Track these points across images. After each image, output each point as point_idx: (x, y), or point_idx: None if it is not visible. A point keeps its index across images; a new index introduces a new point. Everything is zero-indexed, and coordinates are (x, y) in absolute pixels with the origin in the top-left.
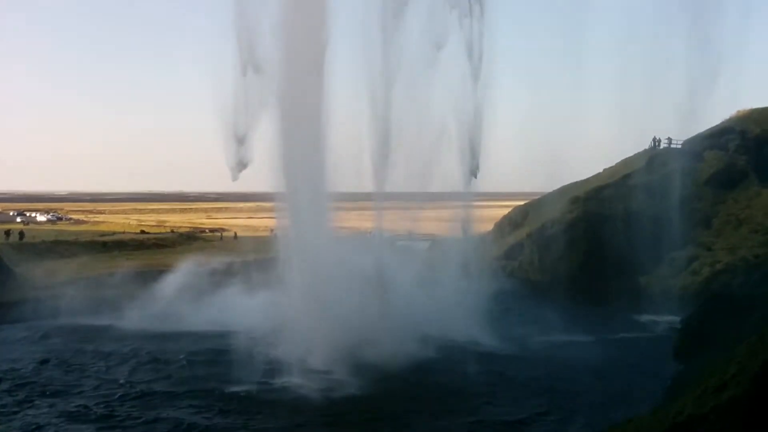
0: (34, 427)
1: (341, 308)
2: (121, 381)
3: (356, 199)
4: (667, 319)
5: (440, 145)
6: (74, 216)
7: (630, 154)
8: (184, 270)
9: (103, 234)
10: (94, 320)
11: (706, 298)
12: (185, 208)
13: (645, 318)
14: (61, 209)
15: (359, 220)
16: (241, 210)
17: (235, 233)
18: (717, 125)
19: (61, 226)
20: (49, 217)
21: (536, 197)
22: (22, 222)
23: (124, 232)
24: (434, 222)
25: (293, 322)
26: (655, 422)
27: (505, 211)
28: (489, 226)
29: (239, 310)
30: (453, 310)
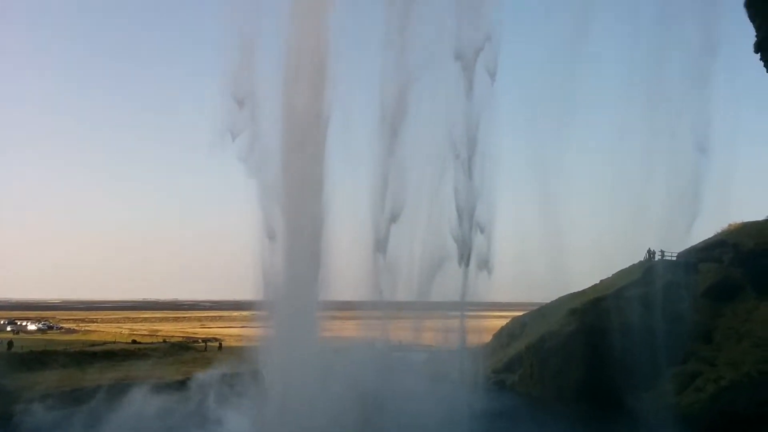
0: None
1: None
2: None
3: (354, 308)
4: None
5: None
6: (66, 325)
7: (625, 265)
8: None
9: (93, 344)
10: None
11: (713, 418)
12: (179, 317)
13: None
14: (53, 318)
15: (355, 330)
16: (235, 319)
17: (220, 343)
18: (710, 238)
19: (51, 336)
20: (40, 326)
21: (534, 308)
22: (12, 331)
23: (114, 342)
24: (431, 333)
25: None
26: None
27: (503, 322)
28: (487, 337)
29: None
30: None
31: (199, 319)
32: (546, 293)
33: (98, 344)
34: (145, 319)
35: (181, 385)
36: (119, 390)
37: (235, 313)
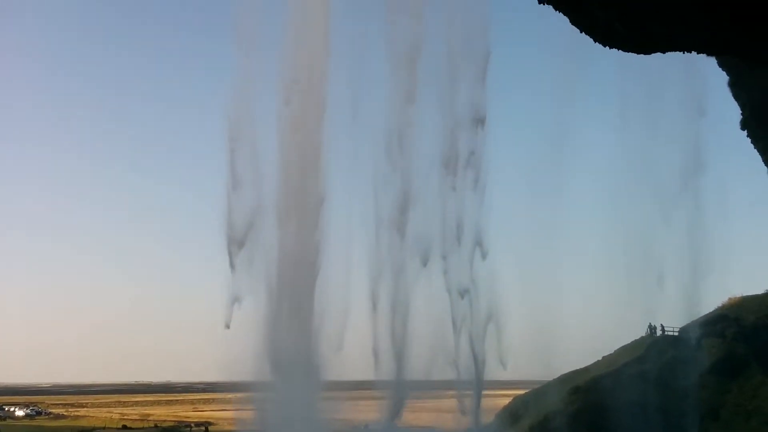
0: None
1: None
2: None
3: (358, 388)
4: None
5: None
6: (55, 410)
7: (626, 341)
8: None
9: (82, 430)
10: None
11: None
12: (171, 400)
13: None
14: (42, 402)
15: (358, 411)
16: (229, 402)
17: (206, 427)
18: (711, 312)
19: (39, 421)
20: (28, 411)
21: (535, 386)
22: None
23: (104, 428)
24: (435, 413)
25: None
26: None
27: (505, 401)
28: (489, 417)
29: None
30: None
31: (192, 402)
32: (547, 371)
33: (87, 430)
34: (137, 403)
35: None
36: None
37: (230, 395)
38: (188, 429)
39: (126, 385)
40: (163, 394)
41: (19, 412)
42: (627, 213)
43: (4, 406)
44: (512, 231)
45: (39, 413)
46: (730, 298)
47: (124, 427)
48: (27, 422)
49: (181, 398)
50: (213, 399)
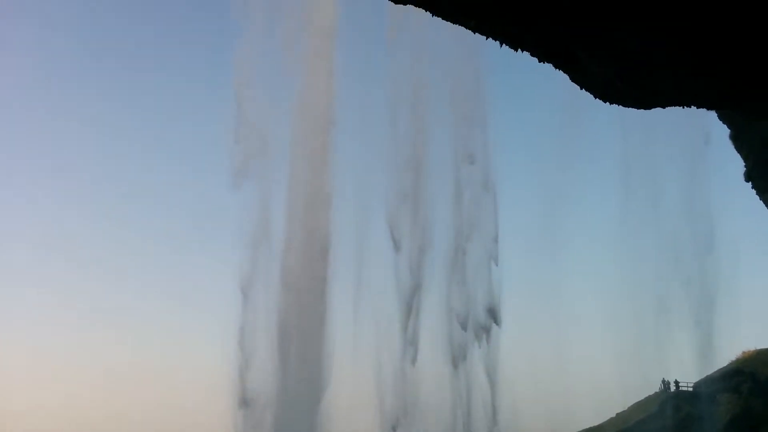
0: None
1: None
2: None
3: None
4: None
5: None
6: None
7: (639, 397)
8: None
9: None
10: None
11: None
12: None
13: None
14: None
15: None
16: None
17: None
18: (725, 367)
19: None
20: None
21: None
22: None
23: None
24: None
25: None
26: None
27: None
28: None
29: None
30: None
31: None
32: (562, 428)
33: None
34: None
35: None
36: None
37: None
38: None
39: None
40: None
41: None
42: (636, 268)
43: None
44: (520, 296)
45: None
46: (744, 352)
47: None
48: None
49: None
50: None
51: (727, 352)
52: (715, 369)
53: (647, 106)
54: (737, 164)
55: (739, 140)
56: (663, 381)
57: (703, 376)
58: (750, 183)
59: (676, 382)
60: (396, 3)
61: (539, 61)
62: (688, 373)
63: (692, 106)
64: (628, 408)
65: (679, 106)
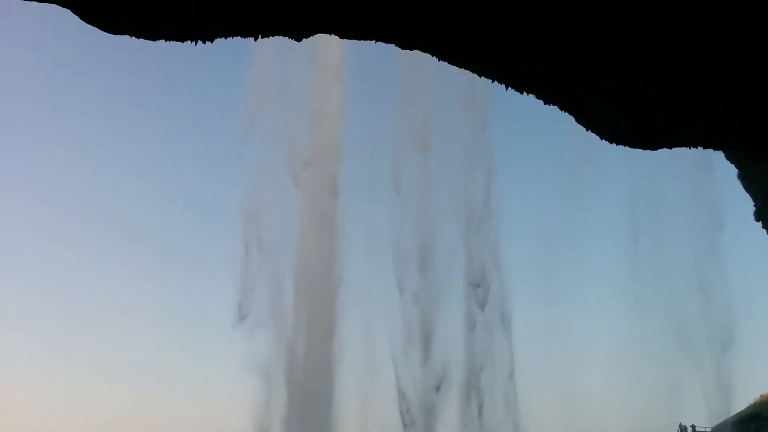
0: None
1: None
2: None
3: None
4: None
5: None
6: None
7: None
8: None
9: None
10: None
11: None
12: None
13: None
14: None
15: None
16: None
17: None
18: (744, 410)
19: None
20: None
21: None
22: None
23: None
24: None
25: None
26: None
27: None
28: None
29: None
30: None
31: None
32: None
33: None
34: None
35: None
36: None
37: None
38: None
39: None
40: None
41: None
42: (649, 312)
43: None
44: (531, 345)
45: None
46: (761, 395)
47: None
48: None
49: None
50: None
51: (746, 396)
52: (732, 413)
53: (653, 147)
54: (747, 203)
55: (747, 179)
56: (680, 426)
57: (721, 420)
58: (760, 223)
59: (693, 427)
60: (403, 48)
61: (545, 103)
62: (704, 418)
63: (698, 147)
64: None
65: (685, 146)
